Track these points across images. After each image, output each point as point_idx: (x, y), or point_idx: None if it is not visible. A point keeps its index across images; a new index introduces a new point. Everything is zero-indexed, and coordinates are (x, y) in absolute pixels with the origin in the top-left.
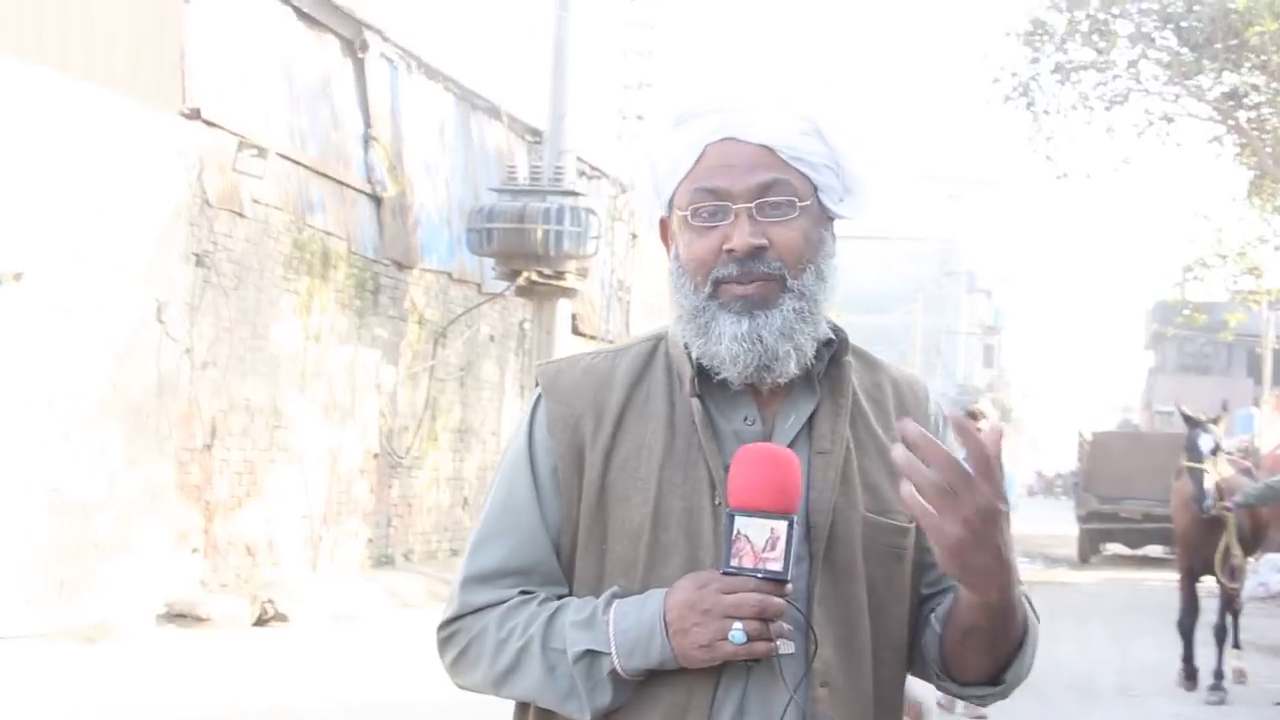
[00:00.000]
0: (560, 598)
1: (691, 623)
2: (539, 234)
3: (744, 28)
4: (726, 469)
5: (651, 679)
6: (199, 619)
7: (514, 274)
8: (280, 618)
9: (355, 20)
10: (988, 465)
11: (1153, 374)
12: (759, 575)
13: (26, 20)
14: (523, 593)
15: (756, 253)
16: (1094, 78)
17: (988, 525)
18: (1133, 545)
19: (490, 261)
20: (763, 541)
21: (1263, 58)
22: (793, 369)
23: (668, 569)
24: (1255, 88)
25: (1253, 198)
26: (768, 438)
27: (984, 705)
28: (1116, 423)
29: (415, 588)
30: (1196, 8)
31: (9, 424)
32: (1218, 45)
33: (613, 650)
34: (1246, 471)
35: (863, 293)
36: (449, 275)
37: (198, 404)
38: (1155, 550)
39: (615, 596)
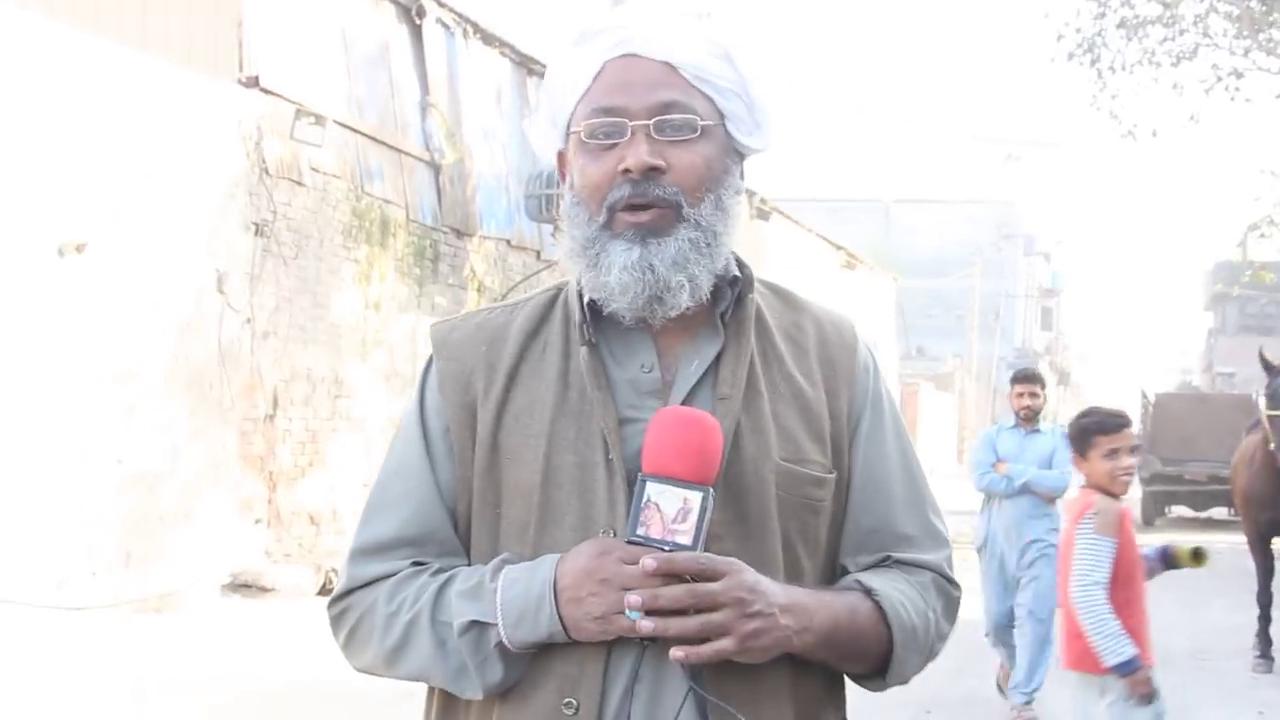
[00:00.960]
0: (456, 568)
1: (587, 592)
2: None
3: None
4: (621, 421)
5: (544, 649)
6: (264, 589)
7: None
8: None
9: None
10: (710, 575)
11: (1213, 335)
12: (666, 547)
13: None
14: (415, 563)
15: (652, 174)
16: (1161, 33)
17: (751, 615)
18: (1198, 508)
19: (549, 228)
20: (674, 511)
21: None
22: (684, 301)
23: (560, 530)
24: None
25: None
26: (668, 385)
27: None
28: (1176, 385)
29: None
30: None
31: (73, 395)
32: None
33: (499, 620)
34: None
35: (920, 256)
36: (508, 242)
37: (259, 374)
38: (1220, 513)
39: (505, 563)
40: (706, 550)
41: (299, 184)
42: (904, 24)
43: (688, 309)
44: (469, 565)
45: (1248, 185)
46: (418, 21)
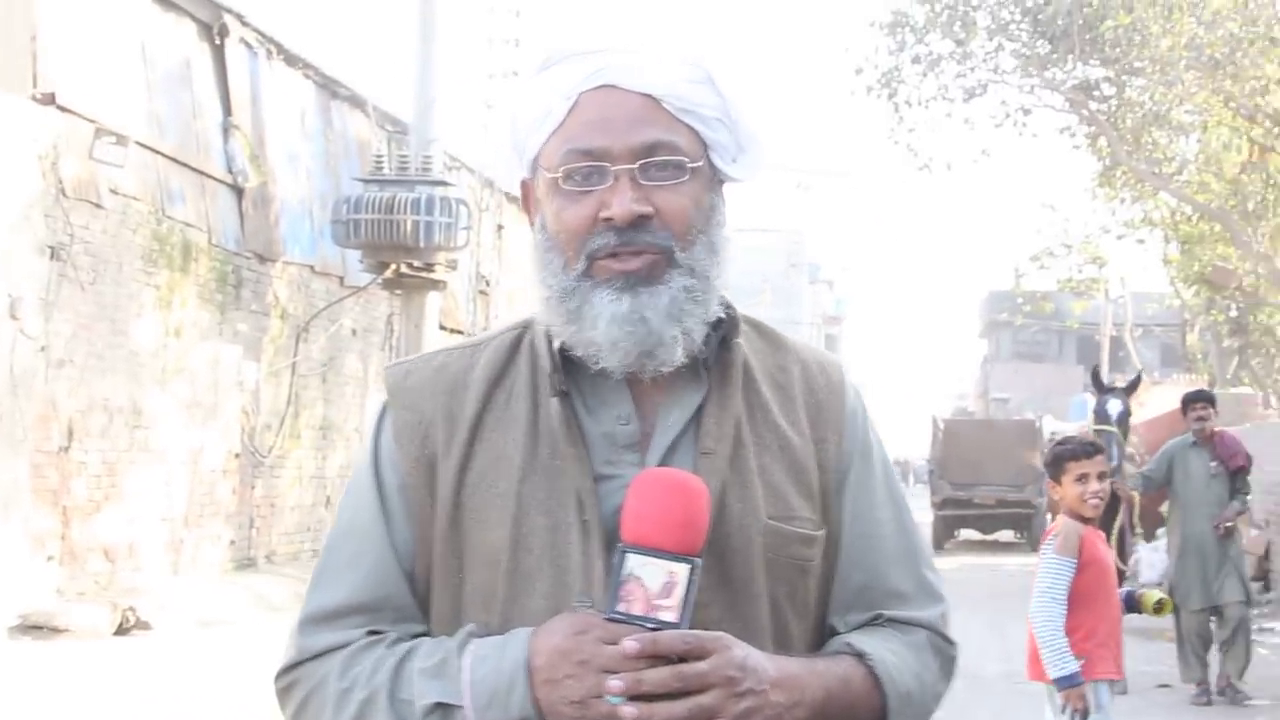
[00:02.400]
0: (416, 636)
1: (564, 674)
2: (409, 225)
3: (605, 16)
4: (597, 479)
5: None
6: (56, 629)
7: (382, 266)
8: (142, 625)
9: (214, 4)
10: (697, 655)
11: (987, 362)
12: (649, 625)
13: None
14: (370, 633)
15: (639, 222)
16: (954, 69)
17: (742, 693)
18: (985, 531)
19: (354, 254)
20: (658, 586)
21: (1115, 50)
22: (679, 357)
23: (531, 599)
24: (1108, 79)
25: (1103, 187)
26: (647, 438)
27: None
28: (952, 410)
29: (280, 590)
30: (1052, 1)
31: None
32: (1072, 38)
33: (466, 703)
34: (1130, 457)
35: None
36: (311, 268)
37: (54, 404)
38: (1006, 535)
39: (471, 636)
40: (693, 624)
41: (98, 206)
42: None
43: (681, 361)
44: (429, 634)
45: (1028, 218)
46: (220, 40)
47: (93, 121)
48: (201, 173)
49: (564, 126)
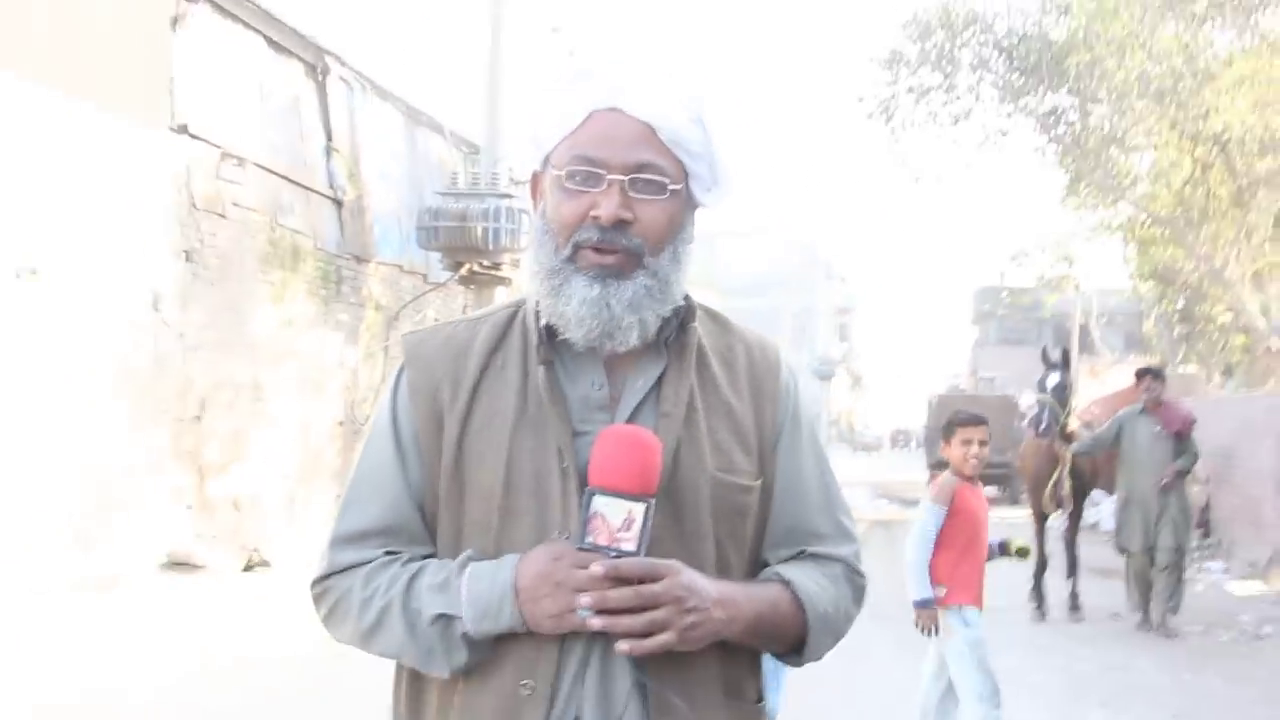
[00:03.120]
0: (425, 556)
1: (543, 594)
2: (479, 230)
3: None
4: (575, 434)
5: (504, 638)
6: (195, 566)
7: (458, 265)
8: (265, 565)
9: (318, 48)
10: (652, 578)
11: (977, 346)
12: (612, 554)
13: (38, 47)
14: (388, 553)
15: (620, 225)
16: (941, 98)
17: (686, 610)
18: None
19: (436, 255)
20: (619, 521)
21: (1079, 82)
22: (633, 340)
23: (519, 530)
24: (1072, 107)
25: (1070, 197)
26: (615, 402)
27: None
28: (946, 387)
29: None
30: (1025, 40)
31: (28, 400)
32: (1042, 71)
33: (465, 614)
34: (1087, 425)
35: (741, 280)
36: (400, 267)
37: (190, 381)
38: (990, 492)
39: (470, 559)
40: (649, 554)
41: (223, 217)
42: (735, 81)
43: (635, 344)
44: (435, 555)
45: (1009, 223)
46: (323, 78)
47: (218, 147)
48: (308, 188)
49: (575, 135)
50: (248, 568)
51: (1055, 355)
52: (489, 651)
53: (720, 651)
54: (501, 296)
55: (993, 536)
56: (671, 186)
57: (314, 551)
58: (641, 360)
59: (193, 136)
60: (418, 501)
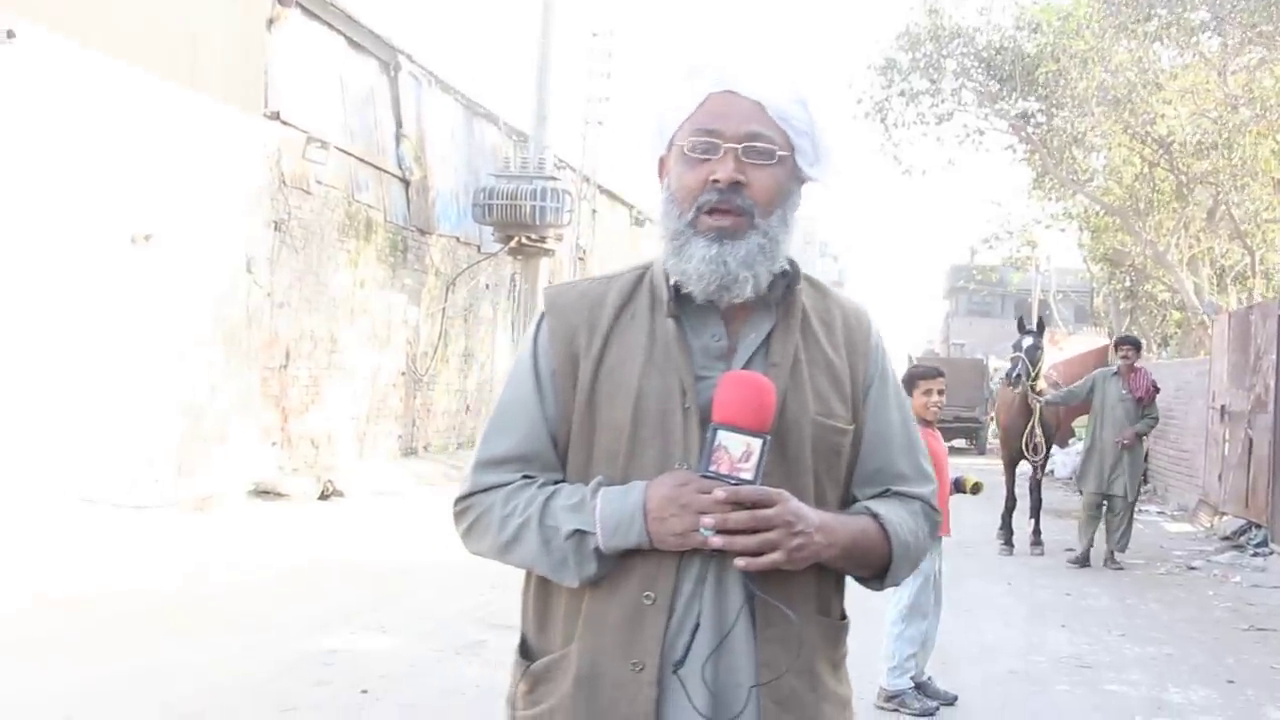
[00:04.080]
0: (556, 483)
1: (670, 513)
2: (528, 208)
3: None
4: (697, 379)
5: (629, 552)
6: (279, 494)
7: (508, 238)
8: (338, 493)
9: (391, 47)
10: (764, 503)
11: (949, 316)
12: (733, 481)
13: (157, 43)
14: (525, 477)
15: (735, 187)
16: (928, 101)
17: (795, 534)
18: (945, 439)
19: (488, 229)
20: (739, 453)
21: (1046, 90)
22: (748, 292)
23: (644, 461)
24: (1040, 111)
25: (1035, 189)
26: (732, 351)
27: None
28: (922, 351)
29: (434, 471)
30: (1001, 52)
31: (140, 347)
32: (1015, 80)
33: (598, 530)
34: (1055, 384)
35: None
36: (457, 239)
37: (276, 333)
38: (960, 443)
39: (601, 484)
40: (762, 484)
41: (307, 193)
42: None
43: (749, 296)
44: (566, 482)
45: (981, 210)
46: (394, 74)
47: (305, 132)
48: (380, 169)
49: (695, 115)
50: (323, 496)
51: (1031, 323)
52: (615, 565)
53: (815, 573)
54: (545, 267)
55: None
56: (780, 153)
57: (378, 484)
58: (754, 317)
59: (283, 122)
60: (552, 433)
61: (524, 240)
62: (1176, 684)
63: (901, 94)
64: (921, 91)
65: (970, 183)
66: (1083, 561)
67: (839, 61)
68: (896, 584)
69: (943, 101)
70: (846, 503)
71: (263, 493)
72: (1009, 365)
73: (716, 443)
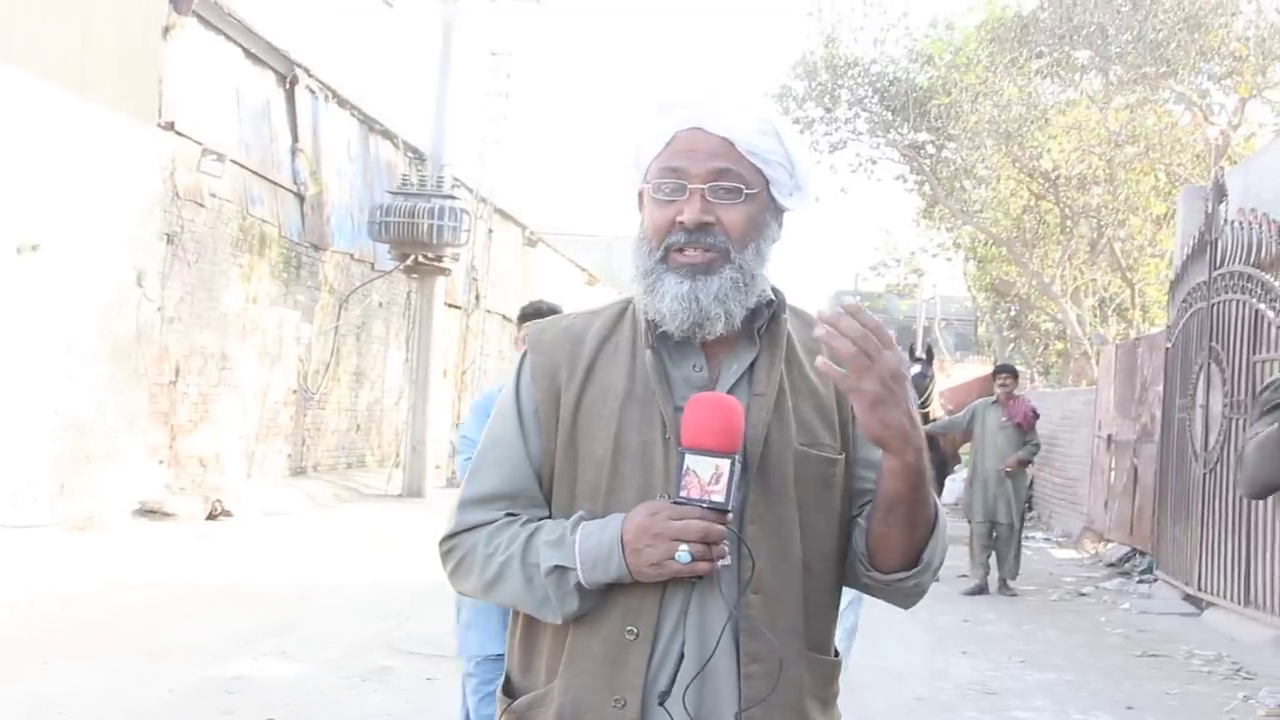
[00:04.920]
0: (542, 519)
1: (644, 544)
2: (425, 226)
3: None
4: (677, 410)
5: (610, 586)
6: (165, 514)
7: (404, 256)
8: (227, 513)
9: (288, 60)
10: (885, 338)
11: None
12: (704, 505)
13: (45, 47)
14: (509, 514)
15: (703, 227)
16: (822, 129)
17: (897, 383)
18: None
19: (383, 246)
20: (708, 476)
21: (938, 122)
22: (720, 329)
23: (626, 494)
24: (931, 142)
25: (925, 218)
26: (714, 383)
27: (906, 592)
28: None
29: (323, 491)
30: (895, 83)
31: (23, 361)
32: (908, 110)
33: (578, 566)
34: (950, 411)
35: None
36: (351, 256)
37: (166, 349)
38: None
39: (581, 519)
40: (738, 511)
41: (201, 205)
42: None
43: (723, 332)
44: (550, 517)
45: (870, 238)
46: (291, 87)
47: (199, 143)
48: (275, 183)
49: (663, 153)
50: (211, 516)
51: (920, 351)
52: (597, 600)
53: (803, 607)
54: (441, 284)
55: None
56: (748, 191)
57: (267, 504)
58: (737, 347)
59: (178, 133)
60: (536, 469)
61: (420, 259)
62: (1079, 710)
63: (796, 121)
64: (816, 119)
65: (860, 210)
66: (979, 590)
67: (734, 88)
68: (935, 560)
69: (837, 130)
70: (846, 535)
71: (149, 512)
72: None
73: (685, 467)
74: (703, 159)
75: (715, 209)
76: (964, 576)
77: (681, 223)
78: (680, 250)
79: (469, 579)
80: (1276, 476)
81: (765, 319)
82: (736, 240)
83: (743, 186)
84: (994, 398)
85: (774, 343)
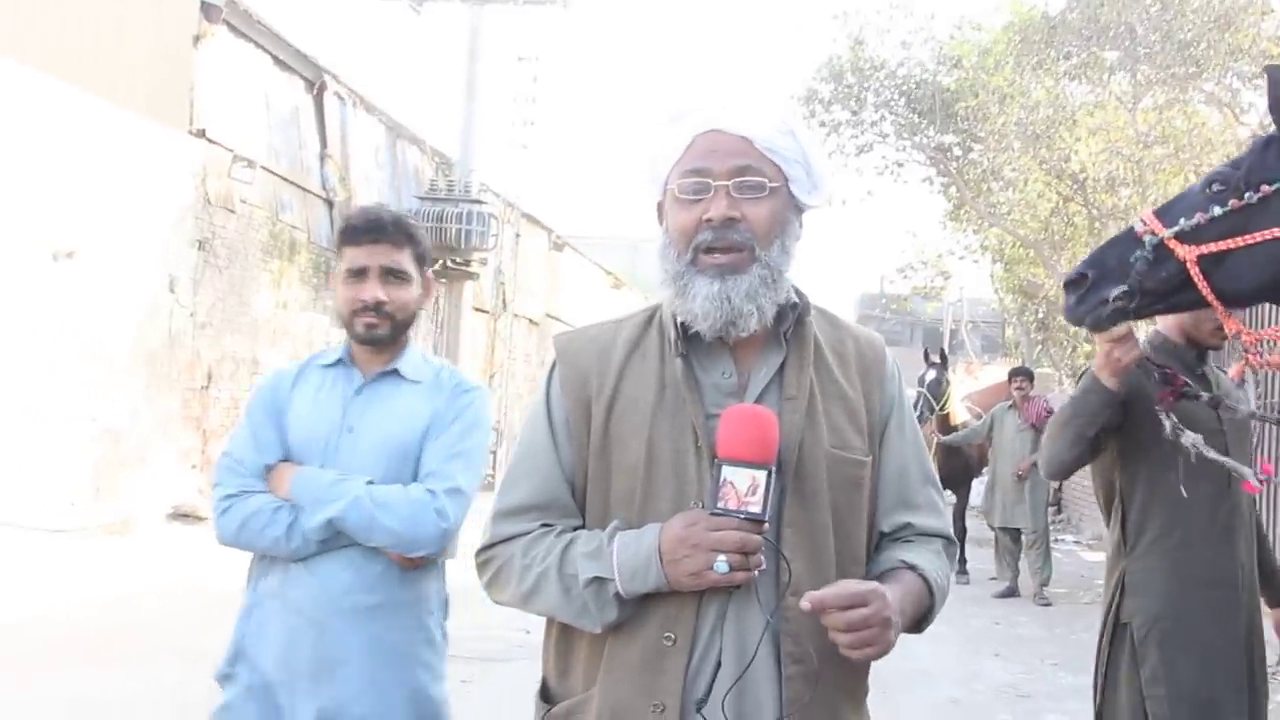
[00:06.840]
0: (576, 528)
1: (683, 554)
2: (453, 231)
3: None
4: (708, 417)
5: (648, 595)
6: (197, 518)
7: (432, 261)
8: None
9: (317, 67)
10: (859, 617)
11: None
12: (741, 516)
13: (82, 57)
14: (544, 525)
15: (730, 223)
16: (849, 132)
17: (887, 627)
18: None
19: None
20: (745, 487)
21: (965, 124)
22: (754, 326)
23: (660, 502)
24: (958, 144)
25: (952, 221)
26: (743, 388)
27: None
28: None
29: None
30: (922, 85)
31: (60, 367)
32: (935, 113)
33: (616, 577)
34: (978, 415)
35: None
36: None
37: (198, 354)
38: None
39: (617, 529)
40: (774, 518)
41: (232, 212)
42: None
43: (756, 330)
44: (584, 527)
45: (896, 240)
46: (319, 94)
47: (230, 150)
48: (304, 189)
49: (683, 158)
50: None
51: (935, 356)
52: (636, 608)
53: None
54: (470, 288)
55: None
56: (771, 185)
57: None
58: (765, 351)
59: (209, 140)
60: (569, 479)
61: (448, 264)
62: None
63: (822, 124)
64: (842, 122)
65: (886, 212)
66: (1010, 593)
67: (761, 91)
68: (930, 622)
69: (863, 133)
70: (872, 533)
71: (182, 516)
72: (911, 399)
73: (722, 479)
74: (724, 157)
75: (740, 204)
76: (995, 579)
77: (709, 220)
78: (708, 251)
79: (506, 590)
80: (1068, 454)
81: (790, 321)
82: (762, 236)
83: (765, 181)
84: (1010, 402)
85: (801, 345)
